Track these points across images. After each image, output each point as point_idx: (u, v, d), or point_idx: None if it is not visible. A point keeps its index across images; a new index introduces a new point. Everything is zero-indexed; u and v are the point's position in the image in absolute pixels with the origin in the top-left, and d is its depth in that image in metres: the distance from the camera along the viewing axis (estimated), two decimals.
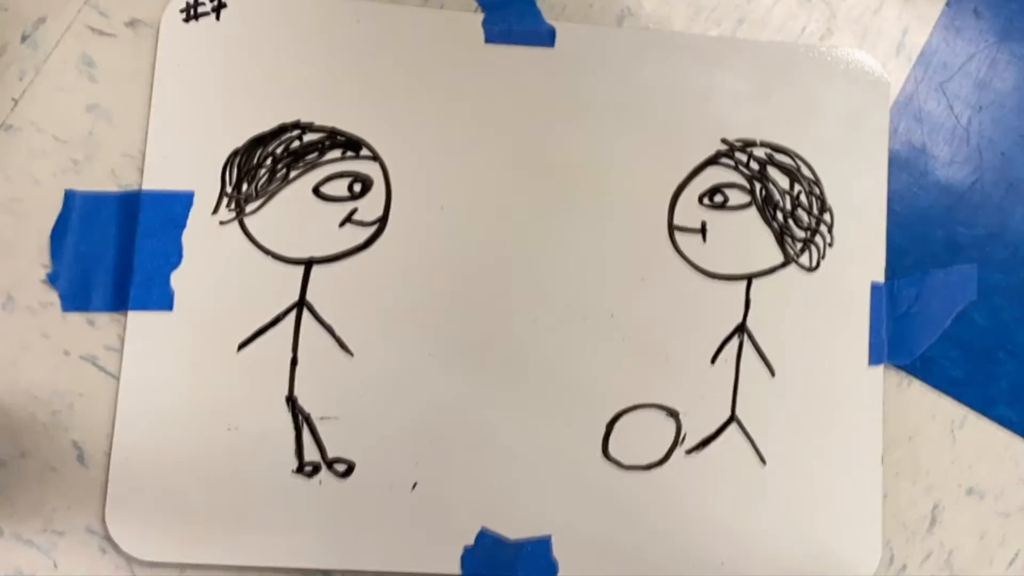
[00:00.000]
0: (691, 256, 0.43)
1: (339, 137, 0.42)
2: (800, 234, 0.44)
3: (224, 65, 0.42)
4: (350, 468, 0.40)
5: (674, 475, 0.42)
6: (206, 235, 0.41)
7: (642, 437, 0.42)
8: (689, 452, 0.42)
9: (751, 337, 0.43)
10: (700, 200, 0.43)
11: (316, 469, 0.40)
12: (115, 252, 0.41)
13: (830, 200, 0.44)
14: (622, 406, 0.42)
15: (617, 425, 0.42)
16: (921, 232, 0.45)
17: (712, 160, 0.44)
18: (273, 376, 0.41)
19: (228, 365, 0.40)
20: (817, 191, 0.44)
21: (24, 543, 0.39)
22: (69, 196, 0.41)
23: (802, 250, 0.44)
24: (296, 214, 0.42)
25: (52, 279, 0.41)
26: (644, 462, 0.42)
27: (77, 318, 0.41)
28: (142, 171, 0.41)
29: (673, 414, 0.42)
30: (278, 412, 0.40)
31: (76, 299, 0.41)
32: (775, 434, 0.42)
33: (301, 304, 0.41)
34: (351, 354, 0.41)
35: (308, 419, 0.40)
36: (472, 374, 0.41)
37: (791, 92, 0.45)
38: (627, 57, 0.44)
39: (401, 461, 0.41)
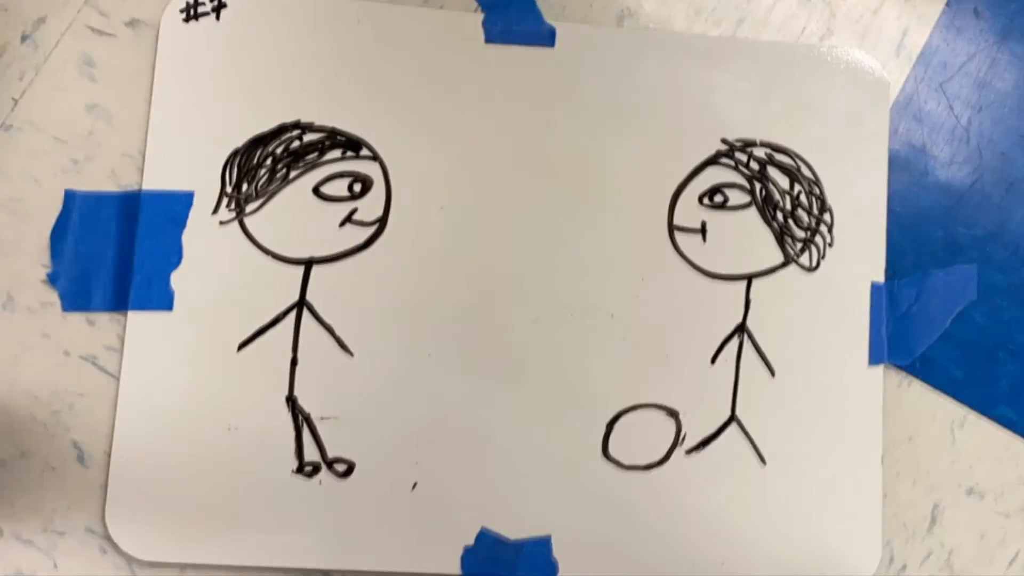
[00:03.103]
0: (691, 256, 0.43)
1: (339, 137, 0.42)
2: (800, 234, 0.44)
3: (224, 65, 0.42)
4: (350, 468, 0.40)
5: (674, 475, 0.42)
6: (206, 235, 0.41)
7: (642, 437, 0.42)
8: (689, 452, 0.42)
9: (751, 337, 0.43)
10: (700, 200, 0.43)
11: (316, 469, 0.40)
12: (115, 252, 0.41)
13: (830, 200, 0.44)
14: (622, 406, 0.42)
15: (617, 425, 0.42)
16: (921, 232, 0.45)
17: (712, 160, 0.44)
18: (273, 376, 0.41)
19: (228, 365, 0.40)
20: (817, 191, 0.44)
21: (24, 543, 0.39)
22: (69, 196, 0.41)
23: (802, 250, 0.44)
24: (296, 214, 0.41)
25: (52, 279, 0.41)
26: (644, 462, 0.42)
27: (77, 318, 0.41)
28: (142, 171, 0.41)
29: (673, 414, 0.42)
30: (278, 412, 0.40)
31: (76, 299, 0.41)
32: (775, 434, 0.42)
33: (301, 304, 0.41)
34: (351, 354, 0.41)
35: (308, 419, 0.40)
36: (472, 374, 0.41)
37: (791, 92, 0.45)
38: (627, 57, 0.44)
39: (401, 461, 0.41)
